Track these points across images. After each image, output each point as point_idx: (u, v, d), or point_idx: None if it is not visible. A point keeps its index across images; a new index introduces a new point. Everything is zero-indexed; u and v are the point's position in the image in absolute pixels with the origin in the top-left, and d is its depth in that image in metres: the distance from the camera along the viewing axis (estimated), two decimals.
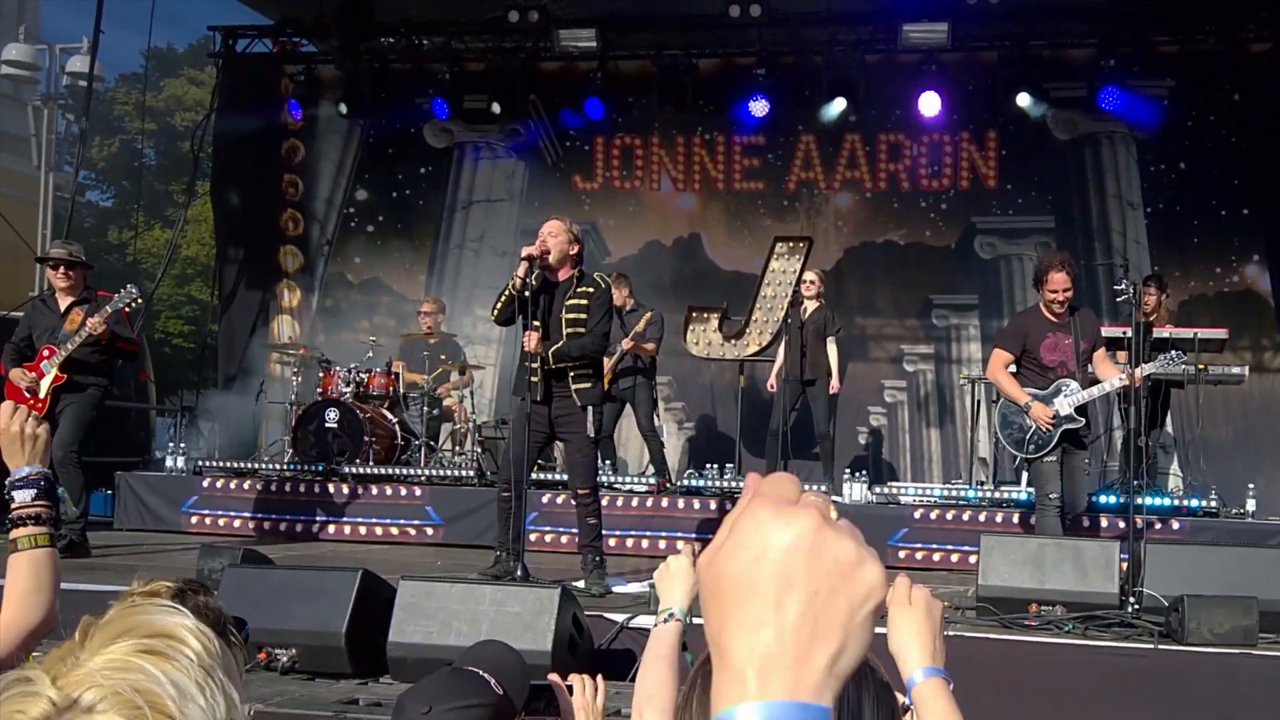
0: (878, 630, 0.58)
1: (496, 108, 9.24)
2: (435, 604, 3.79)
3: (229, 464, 7.58)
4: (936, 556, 6.25)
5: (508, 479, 4.84)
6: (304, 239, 9.96)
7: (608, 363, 7.12)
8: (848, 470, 7.18)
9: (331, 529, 6.85)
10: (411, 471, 7.15)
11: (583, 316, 4.76)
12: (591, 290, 4.80)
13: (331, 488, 6.93)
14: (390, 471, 7.08)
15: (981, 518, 6.35)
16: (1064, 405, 5.10)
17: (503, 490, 4.88)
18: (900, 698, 1.10)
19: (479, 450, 7.63)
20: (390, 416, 7.45)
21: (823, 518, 0.54)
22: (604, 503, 5.33)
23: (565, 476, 6.74)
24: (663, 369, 8.47)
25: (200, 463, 7.58)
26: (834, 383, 7.21)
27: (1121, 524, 5.23)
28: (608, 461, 7.13)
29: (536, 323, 4.66)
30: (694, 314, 8.33)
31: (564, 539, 6.41)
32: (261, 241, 9.90)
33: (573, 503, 5.32)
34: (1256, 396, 8.03)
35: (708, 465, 7.56)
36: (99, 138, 19.23)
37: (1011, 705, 3.64)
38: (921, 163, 8.97)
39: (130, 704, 0.66)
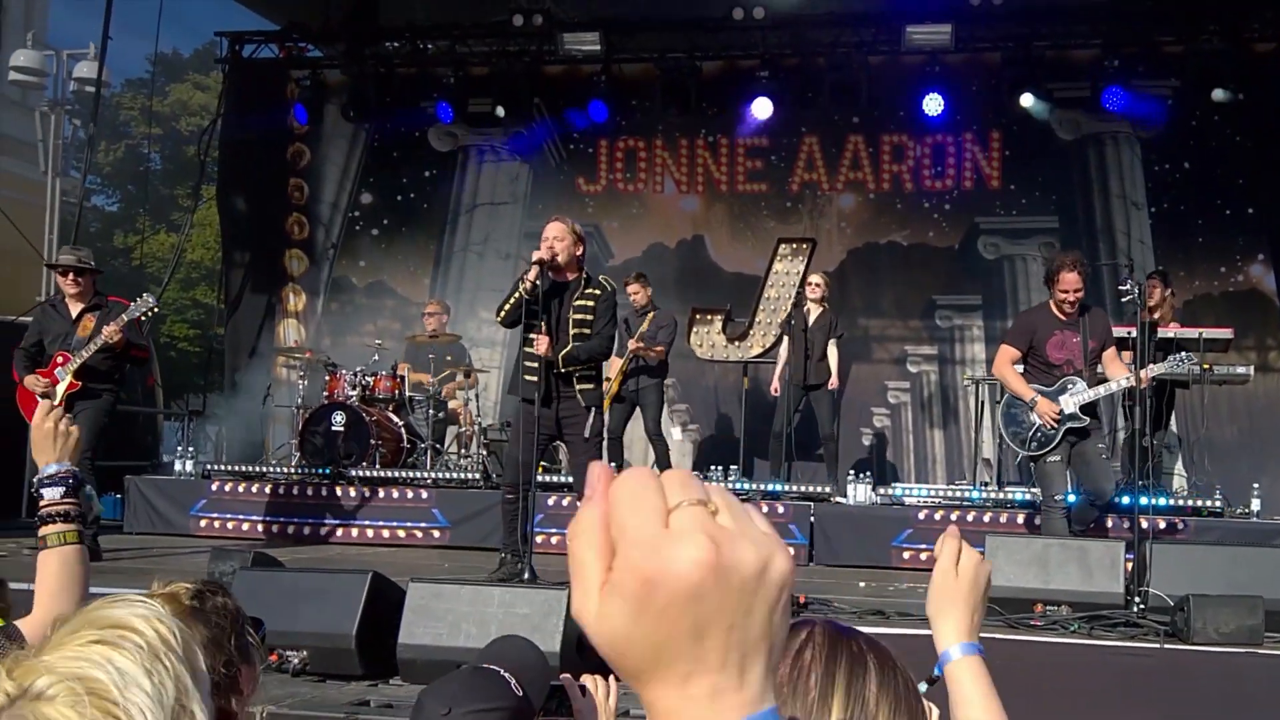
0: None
1: (501, 111, 9.27)
2: (445, 606, 3.81)
3: (237, 468, 7.62)
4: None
5: (512, 482, 4.86)
6: (309, 243, 10.00)
7: (617, 364, 7.15)
8: (851, 471, 7.20)
9: (339, 532, 6.89)
10: (418, 474, 7.18)
11: (589, 319, 4.78)
12: (598, 293, 4.82)
13: (339, 491, 6.96)
14: (397, 474, 7.11)
15: (986, 518, 6.36)
16: (1069, 403, 5.10)
17: (507, 493, 4.90)
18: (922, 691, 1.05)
19: (484, 452, 7.66)
20: (396, 419, 7.49)
21: (711, 541, 0.47)
22: None
23: (570, 478, 6.78)
24: (667, 371, 8.50)
25: (209, 466, 7.63)
26: (833, 379, 7.23)
27: (1127, 524, 5.24)
28: (613, 464, 7.16)
29: (543, 325, 4.68)
30: (698, 316, 8.37)
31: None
32: (267, 245, 9.95)
33: (579, 504, 5.35)
34: (1261, 396, 8.03)
35: (712, 467, 7.58)
36: (104, 143, 19.31)
37: (1017, 705, 3.65)
38: (925, 163, 8.98)
39: (72, 690, 0.70)
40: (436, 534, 6.79)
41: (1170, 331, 6.51)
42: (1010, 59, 8.45)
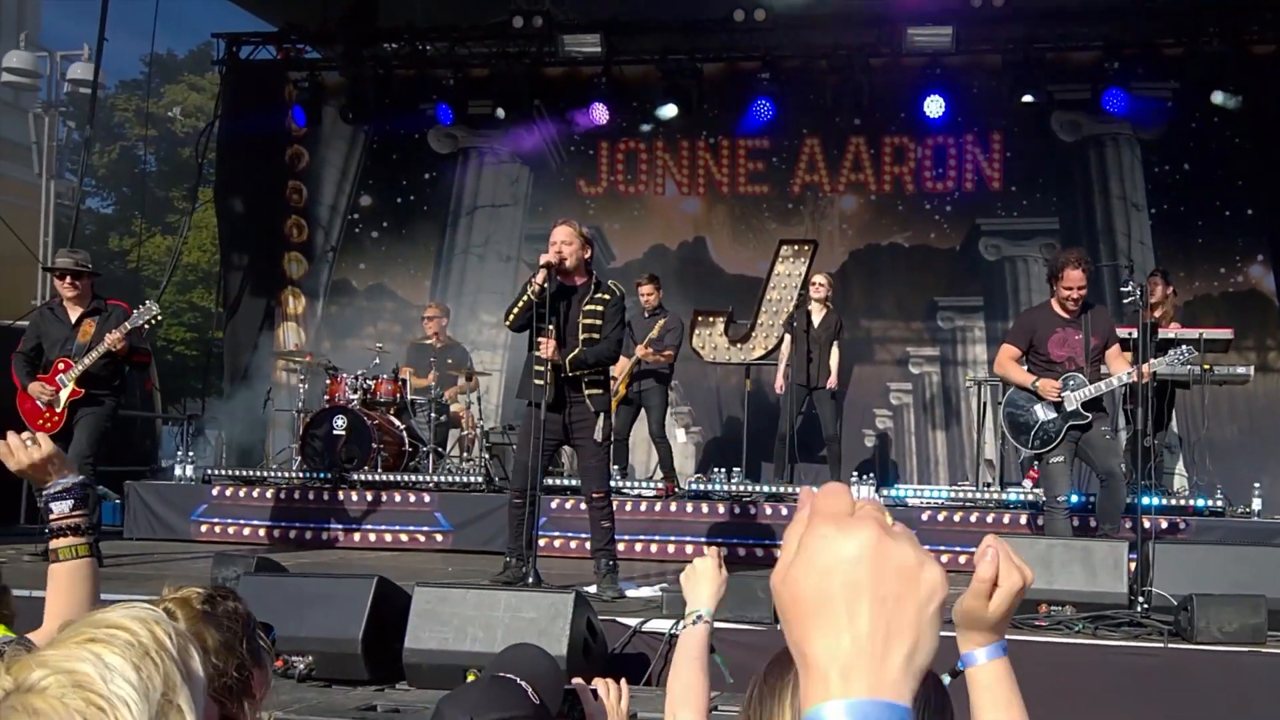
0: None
1: (501, 113, 9.26)
2: (450, 610, 3.81)
3: (238, 472, 7.59)
4: (944, 558, 6.26)
5: (519, 486, 4.85)
6: (308, 245, 9.98)
7: (624, 365, 7.15)
8: (855, 473, 7.21)
9: (341, 536, 6.87)
10: (420, 478, 7.17)
11: (598, 323, 4.77)
12: (607, 298, 4.81)
13: (340, 495, 6.95)
14: (399, 478, 7.10)
15: (989, 519, 6.37)
16: (1070, 400, 5.10)
17: (514, 497, 4.88)
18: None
19: (486, 456, 7.65)
20: (398, 423, 7.47)
21: (881, 528, 0.58)
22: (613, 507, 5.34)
23: (574, 481, 6.78)
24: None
25: (209, 471, 7.60)
26: (832, 379, 7.23)
27: (1129, 524, 5.24)
28: (616, 466, 7.15)
29: (551, 328, 4.67)
30: (700, 318, 8.36)
31: (573, 544, 6.43)
32: (266, 248, 9.92)
33: (582, 507, 5.33)
34: (1261, 396, 8.05)
35: (715, 469, 7.58)
36: (99, 144, 19.25)
37: None
38: (926, 165, 8.99)
39: (60, 682, 0.76)
40: (439, 537, 6.77)
41: (1171, 332, 6.52)
42: (1011, 61, 8.46)
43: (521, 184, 9.74)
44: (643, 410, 7.52)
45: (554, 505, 6.53)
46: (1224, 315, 7.78)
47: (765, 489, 6.97)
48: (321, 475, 7.09)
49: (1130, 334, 5.48)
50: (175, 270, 13.16)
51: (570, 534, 6.45)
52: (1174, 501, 6.45)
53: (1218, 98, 8.06)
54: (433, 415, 7.56)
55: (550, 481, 6.64)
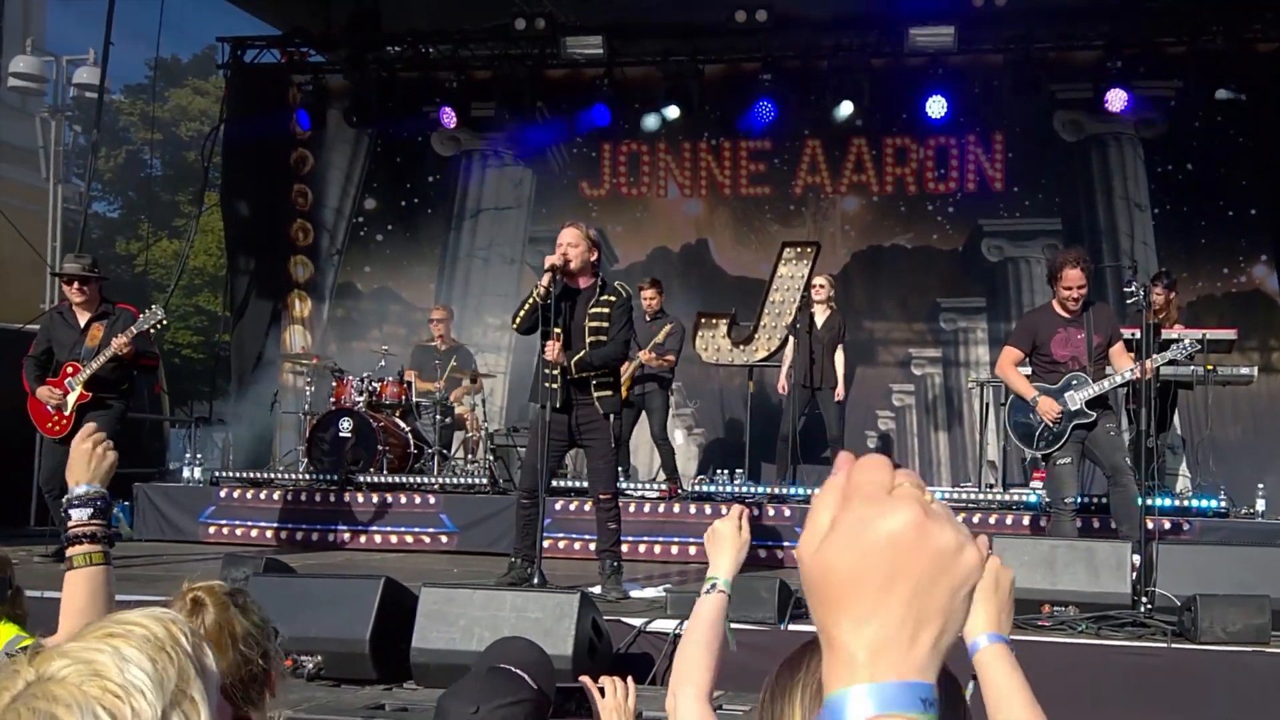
0: None
1: (504, 115, 9.31)
2: (457, 610, 3.84)
3: (245, 474, 7.64)
4: None
5: (528, 488, 4.87)
6: (314, 248, 10.03)
7: (627, 369, 7.18)
8: None
9: (347, 538, 6.91)
10: (425, 480, 7.21)
11: (605, 325, 4.77)
12: (613, 299, 4.82)
13: (347, 497, 6.99)
14: (404, 480, 7.14)
15: (992, 520, 6.38)
16: (1074, 400, 5.10)
17: (523, 499, 4.91)
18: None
19: (491, 458, 7.68)
20: (403, 425, 7.51)
21: (922, 509, 0.55)
22: None
23: (578, 483, 6.81)
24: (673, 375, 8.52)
25: (217, 473, 7.65)
26: (839, 390, 7.24)
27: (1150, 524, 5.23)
28: (620, 468, 7.18)
29: (558, 330, 4.69)
30: (702, 320, 8.39)
31: (577, 545, 6.46)
32: (272, 252, 9.97)
33: (587, 509, 5.36)
34: (1265, 396, 8.05)
35: (718, 470, 7.61)
36: (105, 149, 19.34)
37: None
38: (928, 166, 9.01)
39: (79, 672, 0.80)
40: (444, 539, 6.81)
41: (1174, 333, 6.53)
42: (1013, 61, 8.47)
43: (525, 186, 9.77)
44: (644, 413, 7.56)
45: (559, 507, 6.56)
46: (1227, 315, 7.79)
47: (768, 490, 6.99)
48: (328, 477, 7.13)
49: (1134, 335, 5.48)
50: (182, 274, 13.22)
51: (575, 535, 6.48)
52: (1178, 502, 6.46)
53: (1222, 94, 8.06)
54: (438, 417, 7.59)
55: (556, 483, 6.67)
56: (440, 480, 7.23)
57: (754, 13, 8.36)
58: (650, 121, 9.06)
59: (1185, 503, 6.45)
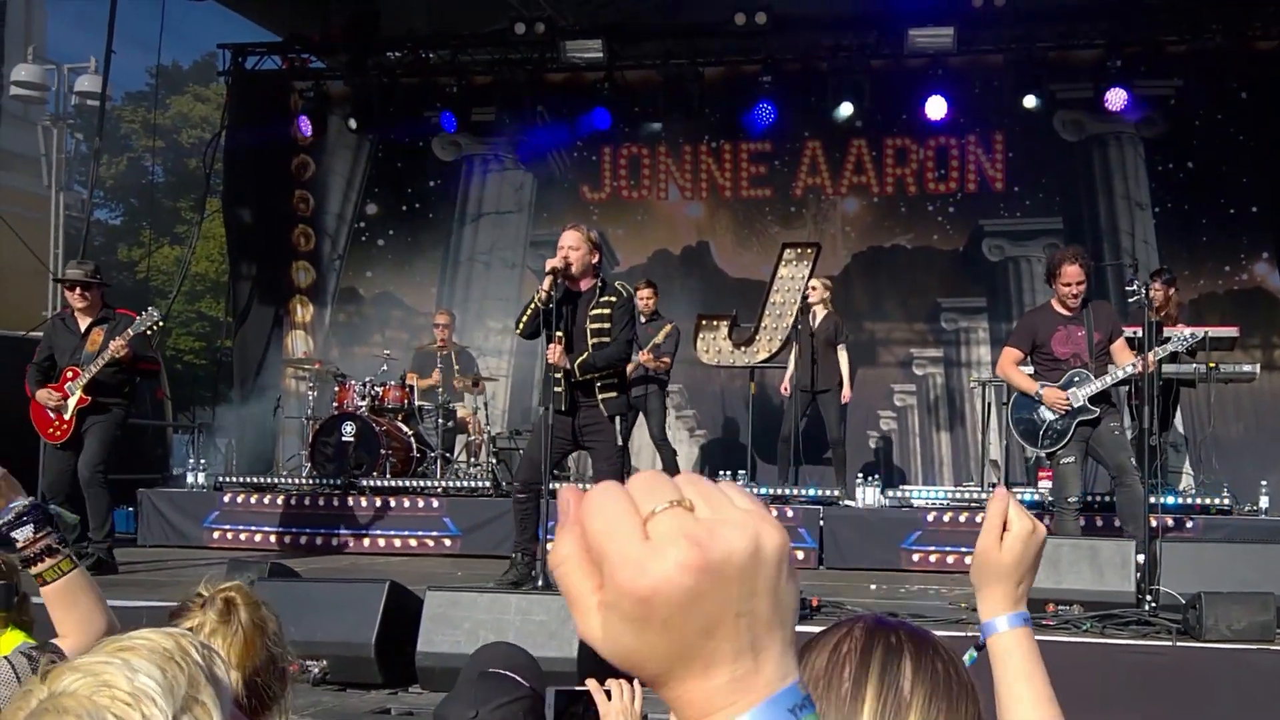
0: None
1: (504, 120, 9.33)
2: (462, 613, 3.84)
3: (249, 479, 7.65)
4: (950, 559, 6.28)
5: (524, 480, 4.87)
6: (315, 254, 10.05)
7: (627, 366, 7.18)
8: (860, 475, 7.22)
9: (351, 542, 6.92)
10: (428, 483, 7.21)
11: (606, 326, 4.78)
12: (615, 300, 4.82)
13: (350, 501, 7.00)
14: (407, 484, 7.15)
15: None
16: (1077, 396, 5.10)
17: (518, 492, 4.90)
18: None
19: (494, 461, 7.69)
20: (406, 429, 7.52)
21: (689, 542, 0.46)
22: None
23: (582, 486, 6.79)
24: (674, 377, 8.51)
25: (220, 478, 7.66)
26: (846, 392, 7.24)
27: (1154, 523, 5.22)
28: (625, 472, 7.19)
29: (560, 334, 4.69)
30: (704, 322, 8.40)
31: None
32: (273, 257, 9.99)
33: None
34: (1267, 394, 8.05)
35: (720, 472, 7.61)
36: (106, 156, 19.38)
37: None
38: (928, 166, 9.01)
39: (92, 682, 0.81)
40: (448, 542, 6.81)
41: (1176, 331, 6.53)
42: (1013, 60, 8.48)
43: (526, 190, 9.79)
44: (642, 416, 7.57)
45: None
46: (1229, 313, 7.79)
47: (769, 492, 6.99)
48: (331, 481, 7.14)
49: (1135, 333, 5.49)
50: (184, 280, 13.24)
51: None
52: (1182, 500, 6.46)
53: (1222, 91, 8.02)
54: (440, 421, 7.60)
55: (557, 485, 6.67)
56: (443, 484, 7.24)
57: (753, 15, 8.38)
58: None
59: (1189, 500, 6.45)
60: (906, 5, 8.32)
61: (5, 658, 1.75)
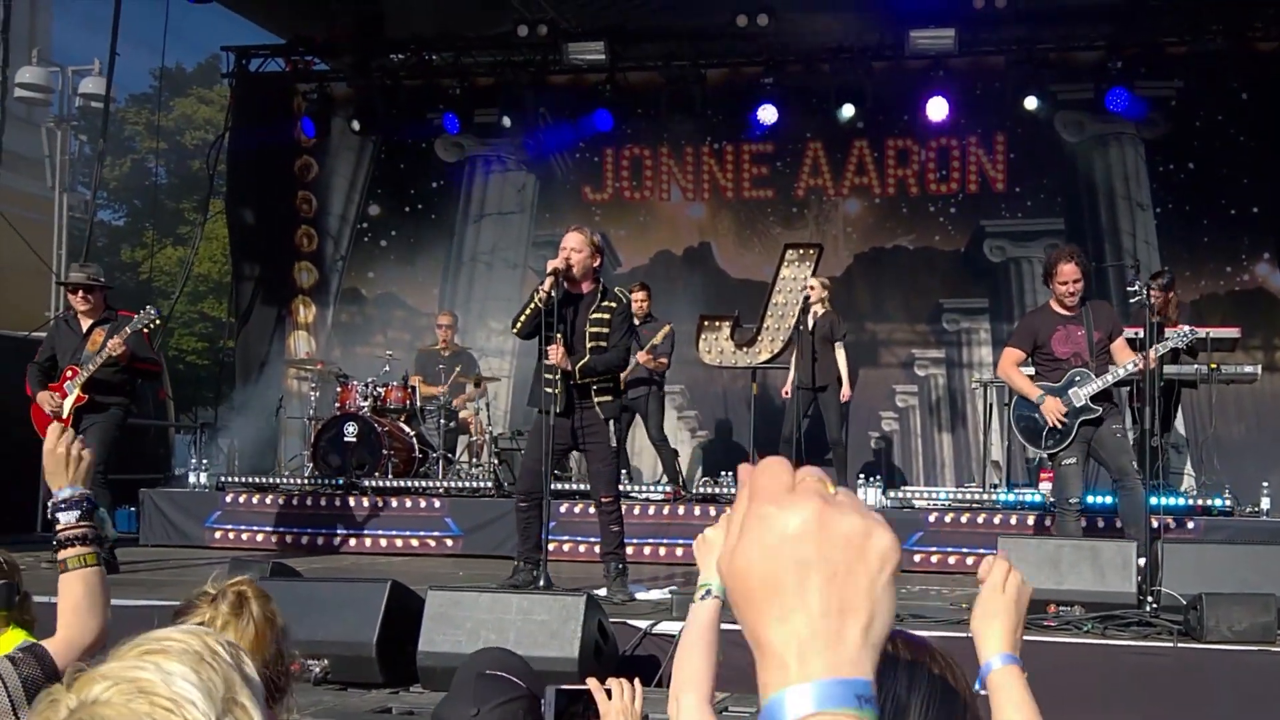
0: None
1: (507, 121, 9.34)
2: (463, 613, 3.85)
3: (251, 479, 7.66)
4: (952, 560, 6.28)
5: (525, 490, 4.89)
6: (318, 255, 10.07)
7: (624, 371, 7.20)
8: (861, 475, 7.23)
9: (352, 542, 6.93)
10: (430, 484, 7.23)
11: (605, 331, 4.79)
12: (614, 305, 4.83)
13: (352, 501, 7.01)
14: (409, 484, 7.16)
15: (996, 520, 6.38)
16: (1078, 396, 5.09)
17: (520, 501, 4.93)
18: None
19: (495, 462, 7.70)
20: (408, 429, 7.54)
21: (822, 500, 0.56)
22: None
23: (582, 486, 6.82)
24: (675, 378, 8.53)
25: (222, 479, 7.68)
26: (845, 390, 7.25)
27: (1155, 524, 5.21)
28: (623, 471, 7.20)
29: (559, 336, 4.70)
30: (706, 323, 8.41)
31: (583, 548, 6.47)
32: (276, 258, 10.01)
33: (591, 511, 5.37)
34: (1268, 395, 8.04)
35: (722, 472, 7.61)
36: (110, 157, 19.44)
37: None
38: (930, 167, 9.02)
39: (126, 689, 0.77)
40: (449, 543, 6.83)
41: (1176, 331, 6.52)
42: (1014, 62, 8.49)
43: (528, 191, 9.81)
44: (638, 417, 7.58)
45: (563, 510, 6.57)
46: (1230, 314, 7.79)
47: None
48: (333, 482, 7.15)
49: (1137, 334, 5.49)
50: (187, 281, 13.27)
51: (580, 538, 6.49)
52: (1183, 501, 6.45)
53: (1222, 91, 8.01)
54: (442, 422, 7.62)
55: (559, 486, 6.69)
56: (445, 484, 7.26)
57: (755, 17, 8.39)
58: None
59: (1190, 501, 6.45)
60: (908, 7, 8.33)
61: None
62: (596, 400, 4.81)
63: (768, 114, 8.82)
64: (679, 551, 6.50)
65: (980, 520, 6.37)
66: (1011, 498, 6.84)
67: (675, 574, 5.87)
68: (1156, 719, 3.77)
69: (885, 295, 9.06)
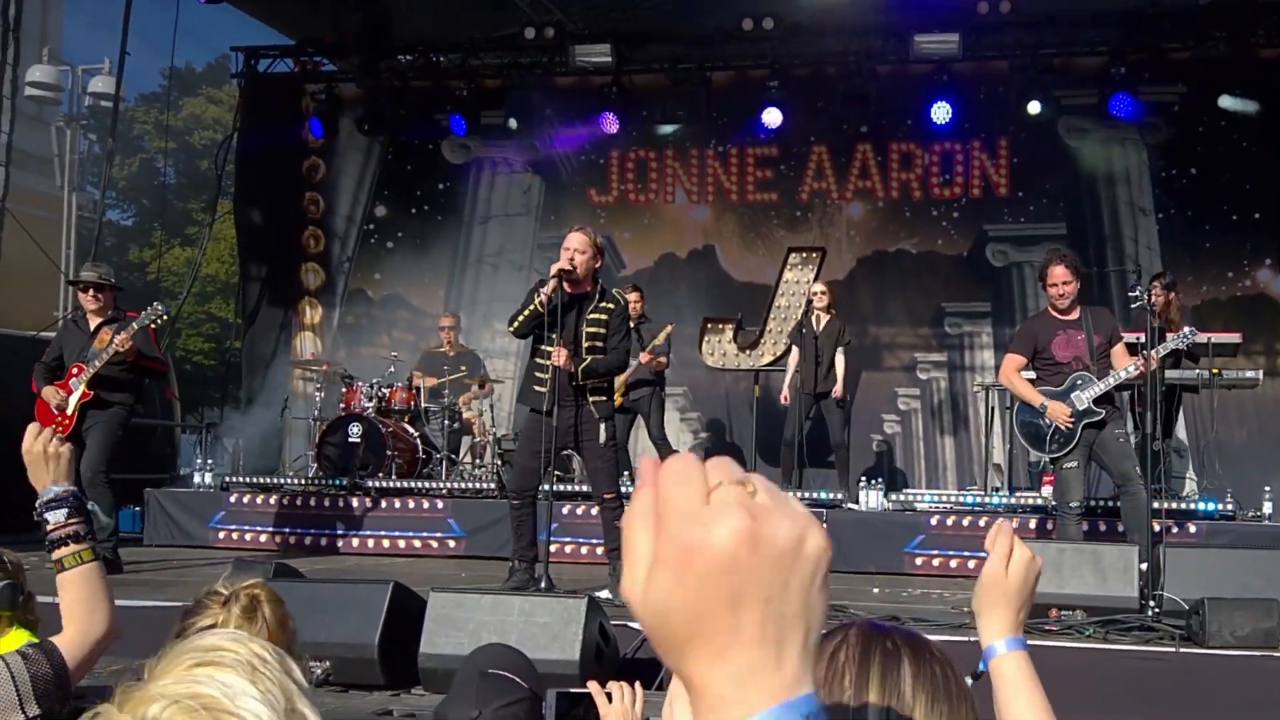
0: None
1: (513, 123, 9.38)
2: (465, 615, 3.86)
3: (255, 480, 7.70)
4: (954, 563, 6.29)
5: (518, 489, 4.91)
6: (325, 256, 10.11)
7: (621, 375, 7.22)
8: (863, 478, 7.24)
9: (355, 542, 6.96)
10: (433, 484, 7.25)
11: (602, 332, 4.81)
12: (611, 307, 4.86)
13: (355, 501, 7.04)
14: (412, 485, 7.18)
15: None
16: (1081, 399, 5.10)
17: (514, 500, 4.94)
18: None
19: (499, 462, 7.72)
20: (412, 430, 7.56)
21: (747, 514, 0.49)
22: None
23: (584, 487, 6.84)
24: (678, 380, 8.55)
25: (227, 479, 7.71)
26: (838, 388, 7.26)
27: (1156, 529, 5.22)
28: (625, 472, 7.21)
29: (555, 337, 4.72)
30: (709, 325, 8.44)
31: (584, 550, 6.49)
32: (283, 259, 10.05)
33: (593, 513, 5.38)
34: (1270, 400, 8.04)
35: None
36: (119, 157, 19.53)
37: None
38: (933, 171, 9.03)
39: (189, 708, 0.73)
40: (452, 544, 6.85)
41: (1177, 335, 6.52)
42: (1017, 67, 8.50)
43: (533, 193, 9.84)
44: (639, 417, 7.60)
45: (565, 511, 6.59)
46: (1232, 319, 7.78)
47: None
48: (337, 482, 7.18)
49: (1138, 338, 5.50)
50: (194, 281, 13.32)
51: (581, 539, 6.51)
52: (1185, 505, 6.45)
53: (1225, 102, 8.07)
54: (446, 422, 7.64)
55: (561, 487, 6.71)
56: (448, 485, 7.28)
57: (761, 21, 8.41)
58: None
59: (1192, 506, 6.44)
60: (912, 12, 8.34)
61: (1, 657, 1.78)
62: (592, 400, 4.83)
63: (772, 117, 8.84)
64: None
65: (982, 523, 6.37)
66: (1013, 501, 6.84)
67: None
68: None
69: (888, 299, 9.07)
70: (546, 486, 4.91)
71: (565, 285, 4.79)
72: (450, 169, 9.89)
